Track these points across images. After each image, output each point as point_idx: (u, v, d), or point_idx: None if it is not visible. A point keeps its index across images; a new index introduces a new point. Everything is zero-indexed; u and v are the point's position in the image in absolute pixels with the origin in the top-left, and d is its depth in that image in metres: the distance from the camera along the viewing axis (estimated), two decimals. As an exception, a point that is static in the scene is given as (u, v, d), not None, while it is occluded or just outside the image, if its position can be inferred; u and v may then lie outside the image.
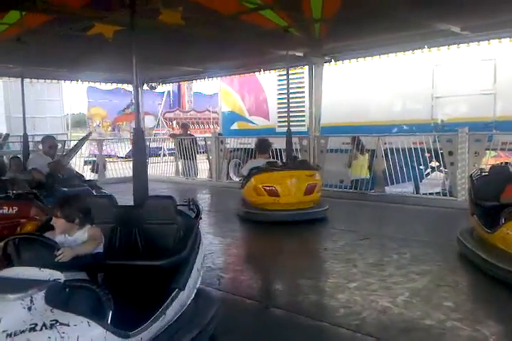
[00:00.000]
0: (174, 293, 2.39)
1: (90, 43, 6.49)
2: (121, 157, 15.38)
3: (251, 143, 10.43)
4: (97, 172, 11.52)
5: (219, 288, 3.76)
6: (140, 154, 3.20)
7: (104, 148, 13.24)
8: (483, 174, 4.81)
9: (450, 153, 7.18)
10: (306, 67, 8.82)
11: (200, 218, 2.93)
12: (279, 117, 10.96)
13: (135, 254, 2.70)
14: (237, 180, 11.12)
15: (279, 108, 10.95)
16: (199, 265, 2.69)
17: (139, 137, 3.18)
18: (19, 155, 6.53)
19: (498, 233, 3.80)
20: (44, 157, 6.16)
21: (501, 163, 5.51)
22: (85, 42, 6.44)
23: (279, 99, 10.94)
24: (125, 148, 15.64)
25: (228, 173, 11.31)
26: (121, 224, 2.80)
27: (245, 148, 10.76)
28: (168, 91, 23.80)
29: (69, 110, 22.87)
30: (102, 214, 2.77)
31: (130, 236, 2.75)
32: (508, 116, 4.97)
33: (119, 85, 12.69)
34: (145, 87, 12.15)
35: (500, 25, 5.98)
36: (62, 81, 11.58)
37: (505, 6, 4.95)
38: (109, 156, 15.89)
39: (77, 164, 10.72)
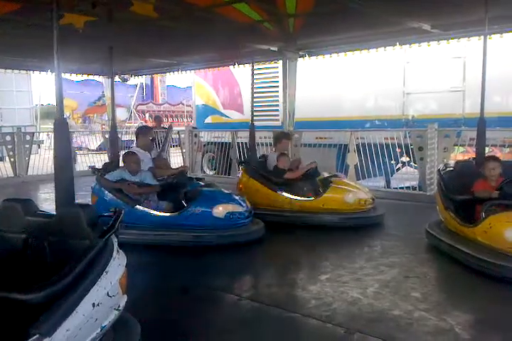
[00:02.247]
0: (31, 340, 1.72)
1: (60, 34, 6.34)
2: (93, 149, 15.18)
3: (225, 136, 10.43)
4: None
5: (192, 281, 3.78)
6: (63, 150, 2.66)
7: (74, 140, 13.02)
8: (449, 169, 4.96)
9: (420, 149, 7.36)
10: (280, 62, 8.85)
11: (112, 236, 2.29)
12: (254, 111, 10.93)
13: (43, 275, 2.12)
14: (211, 173, 11.13)
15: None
16: (100, 297, 2.04)
17: (62, 129, 2.67)
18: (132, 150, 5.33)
19: (479, 227, 3.90)
20: (142, 152, 5.26)
21: (469, 158, 5.68)
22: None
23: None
24: (96, 140, 15.40)
25: (202, 167, 11.28)
26: (33, 236, 2.34)
27: (219, 142, 10.74)
28: (141, 84, 23.53)
29: (38, 101, 22.26)
30: (14, 223, 2.37)
31: (42, 251, 2.28)
32: (476, 113, 5.11)
33: (91, 76, 12.41)
34: (116, 78, 11.94)
35: (470, 24, 6.11)
36: (31, 71, 11.27)
37: (474, 5, 5.05)
38: (80, 149, 15.63)
39: (47, 157, 10.51)
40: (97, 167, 5.50)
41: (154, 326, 2.92)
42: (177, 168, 5.65)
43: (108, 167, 5.30)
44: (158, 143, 10.94)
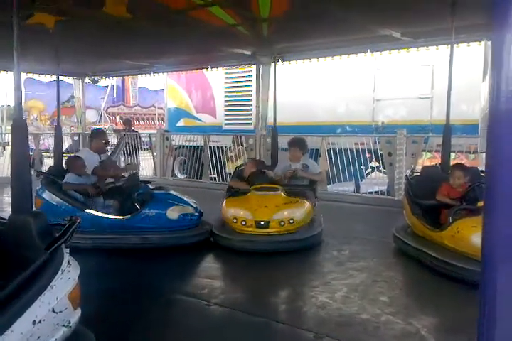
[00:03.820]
0: None
1: (30, 33, 6.19)
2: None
3: (197, 140, 10.39)
4: (33, 167, 11.01)
5: (161, 287, 3.72)
6: (21, 153, 2.49)
7: (41, 142, 12.72)
8: (415, 174, 5.07)
9: (389, 154, 7.50)
10: (254, 66, 8.88)
11: (62, 247, 2.12)
12: (226, 115, 10.97)
13: None
14: (183, 177, 11.04)
15: (226, 106, 10.95)
16: (43, 314, 1.91)
17: (20, 131, 2.49)
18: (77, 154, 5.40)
19: (447, 232, 3.98)
20: (92, 154, 5.31)
21: (435, 164, 5.82)
22: (24, 31, 6.13)
23: (226, 96, 10.94)
24: (65, 142, 15.08)
25: (173, 170, 11.19)
26: None
27: (191, 146, 10.67)
28: (112, 86, 23.18)
29: (4, 102, 21.64)
30: None
31: None
32: (443, 120, 5.25)
33: (60, 77, 12.15)
34: (87, 80, 11.75)
35: (438, 32, 6.26)
36: (-2, 71, 10.95)
37: (442, 14, 5.18)
38: (47, 151, 15.28)
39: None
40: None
41: (119, 334, 2.86)
42: (124, 168, 5.66)
43: (53, 170, 5.28)
44: (128, 147, 10.82)
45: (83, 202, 4.87)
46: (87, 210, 4.74)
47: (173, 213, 4.76)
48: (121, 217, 4.76)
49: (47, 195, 4.91)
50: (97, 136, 5.62)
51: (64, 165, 5.32)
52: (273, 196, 4.98)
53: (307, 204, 4.97)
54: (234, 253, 4.67)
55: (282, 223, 4.66)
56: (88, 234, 4.54)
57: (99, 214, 4.74)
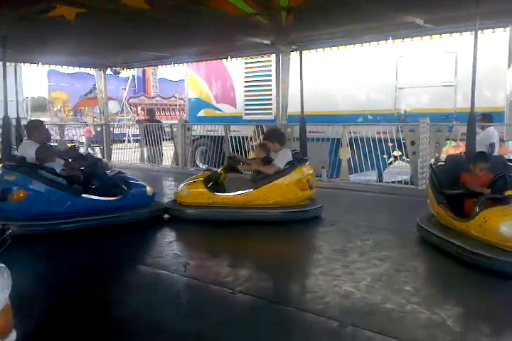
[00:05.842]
0: None
1: (52, 25, 6.27)
2: (83, 142, 15.11)
3: (218, 130, 10.42)
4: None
5: (185, 274, 3.78)
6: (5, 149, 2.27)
7: (65, 133, 12.95)
8: (440, 163, 5.00)
9: (412, 143, 7.40)
10: (273, 56, 8.83)
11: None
12: (246, 105, 10.96)
13: None
14: (203, 167, 11.11)
15: (246, 95, 10.94)
16: None
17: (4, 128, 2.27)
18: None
19: (474, 221, 3.91)
20: (35, 145, 5.40)
21: (460, 152, 5.73)
22: (46, 24, 6.21)
23: (246, 86, 10.92)
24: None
25: (195, 160, 11.27)
26: None
27: (212, 136, 10.72)
28: (133, 77, 23.35)
29: (28, 93, 22.04)
30: None
31: None
32: (467, 108, 5.15)
33: (82, 69, 12.31)
34: (108, 71, 11.86)
35: (462, 18, 6.14)
36: (22, 64, 11.13)
37: (466, 0, 5.07)
38: (71, 141, 15.55)
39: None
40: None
41: (141, 321, 2.93)
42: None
43: (19, 159, 5.14)
44: (151, 137, 10.92)
45: (73, 187, 5.11)
46: (83, 195, 5.04)
47: (149, 191, 5.51)
48: (114, 198, 5.23)
49: (35, 185, 4.87)
50: (39, 127, 5.81)
51: (35, 155, 5.22)
52: (206, 175, 5.83)
53: (197, 189, 5.57)
54: (253, 240, 4.70)
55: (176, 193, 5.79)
56: (75, 217, 4.92)
57: (95, 197, 5.12)
